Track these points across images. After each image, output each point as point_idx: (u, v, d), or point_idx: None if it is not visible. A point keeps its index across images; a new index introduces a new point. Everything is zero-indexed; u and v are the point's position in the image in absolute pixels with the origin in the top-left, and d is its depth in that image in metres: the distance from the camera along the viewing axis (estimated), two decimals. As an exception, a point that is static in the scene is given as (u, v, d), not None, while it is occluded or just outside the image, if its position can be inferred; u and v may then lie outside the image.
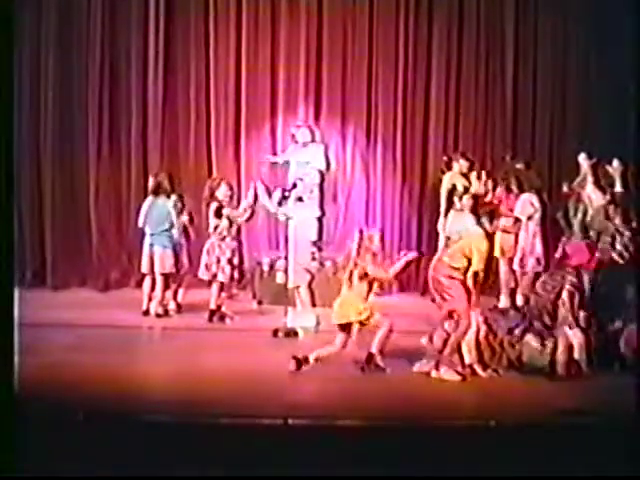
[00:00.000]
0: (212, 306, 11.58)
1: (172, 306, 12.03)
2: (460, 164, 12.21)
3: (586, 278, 10.10)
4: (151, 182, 12.03)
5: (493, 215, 10.58)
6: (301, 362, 9.34)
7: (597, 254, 10.36)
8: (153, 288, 11.90)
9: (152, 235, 11.88)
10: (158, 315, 11.77)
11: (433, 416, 8.02)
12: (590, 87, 13.55)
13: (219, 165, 13.71)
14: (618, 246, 10.45)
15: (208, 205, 11.62)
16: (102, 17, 13.60)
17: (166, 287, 11.93)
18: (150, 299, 11.89)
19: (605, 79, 13.34)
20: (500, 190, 11.78)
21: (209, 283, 11.68)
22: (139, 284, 12.64)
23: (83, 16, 13.58)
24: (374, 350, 9.36)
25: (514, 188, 11.73)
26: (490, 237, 9.88)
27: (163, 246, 11.80)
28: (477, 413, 8.14)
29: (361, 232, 9.62)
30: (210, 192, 11.69)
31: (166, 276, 11.86)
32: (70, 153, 13.71)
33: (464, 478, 7.04)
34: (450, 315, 9.41)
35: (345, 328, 9.44)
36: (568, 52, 13.79)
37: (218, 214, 11.52)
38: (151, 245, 11.88)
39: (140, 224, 11.99)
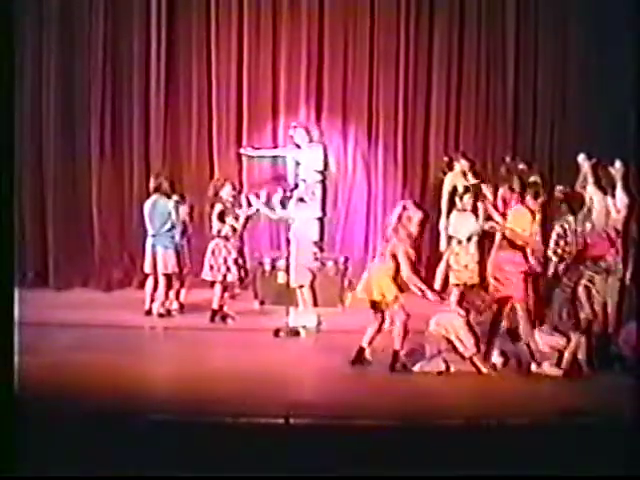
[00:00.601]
0: (214, 306, 11.60)
1: (175, 306, 12.05)
2: (461, 164, 12.21)
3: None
4: (152, 183, 12.06)
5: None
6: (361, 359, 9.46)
7: (617, 244, 10.35)
8: (156, 288, 11.92)
9: (154, 236, 11.89)
10: (160, 315, 11.80)
11: (433, 416, 8.01)
12: (590, 88, 13.54)
13: (221, 166, 13.73)
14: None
15: (212, 206, 11.64)
16: (104, 20, 13.62)
17: (169, 287, 11.95)
18: (152, 299, 11.91)
19: (605, 80, 13.34)
20: (503, 190, 11.76)
21: (212, 283, 11.70)
22: (141, 284, 12.70)
23: (85, 19, 13.61)
24: (397, 347, 9.36)
25: (516, 187, 11.68)
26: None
27: (165, 247, 11.81)
28: (477, 413, 8.10)
29: (404, 208, 9.58)
30: (214, 192, 11.71)
31: (168, 276, 11.88)
32: (72, 154, 13.74)
33: (464, 478, 7.04)
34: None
35: (374, 307, 9.49)
36: (568, 53, 13.80)
37: (221, 218, 11.53)
38: (153, 246, 11.88)
39: (147, 226, 12.01)
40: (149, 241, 11.94)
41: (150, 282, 11.94)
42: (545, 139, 13.84)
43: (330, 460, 7.01)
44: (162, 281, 11.85)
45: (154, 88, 13.75)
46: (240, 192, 12.28)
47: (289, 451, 7.17)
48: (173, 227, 11.83)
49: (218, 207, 11.59)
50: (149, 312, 11.86)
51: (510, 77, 13.85)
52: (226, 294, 11.75)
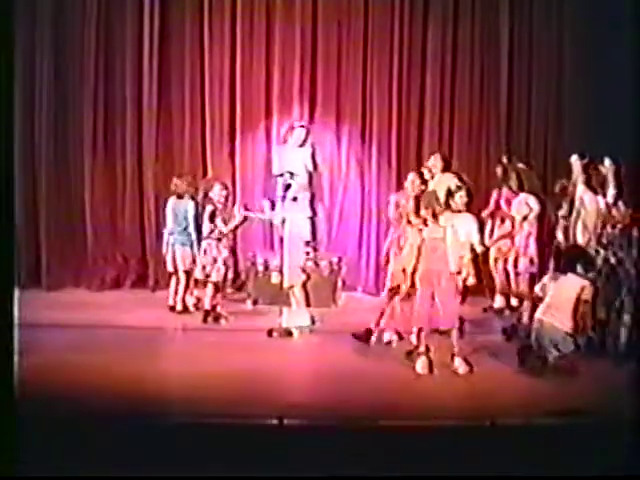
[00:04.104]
0: (207, 306, 11.59)
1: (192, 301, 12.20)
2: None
3: None
4: (173, 184, 12.18)
5: None
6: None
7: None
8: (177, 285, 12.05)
9: (171, 234, 11.99)
10: (178, 311, 11.93)
11: (428, 416, 7.98)
12: (586, 86, 13.54)
13: (214, 165, 13.71)
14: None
15: (203, 207, 11.67)
16: (97, 17, 13.56)
17: (187, 284, 12.05)
18: (176, 295, 12.02)
19: (601, 78, 13.33)
20: (506, 190, 11.76)
21: (204, 284, 11.70)
22: (134, 284, 12.79)
23: (78, 16, 13.55)
24: None
25: (513, 186, 11.65)
26: None
27: (182, 244, 11.91)
28: (473, 413, 8.08)
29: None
30: (204, 193, 11.74)
31: (188, 273, 11.94)
32: (65, 153, 13.69)
33: (463, 478, 7.04)
34: None
35: None
36: (563, 51, 13.78)
37: (212, 219, 11.55)
38: (172, 244, 11.98)
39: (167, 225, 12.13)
40: (168, 240, 12.06)
41: (173, 280, 12.05)
42: (540, 139, 13.85)
43: (324, 461, 7.01)
44: (175, 279, 12.01)
45: (147, 88, 13.69)
46: (231, 193, 12.29)
47: (283, 452, 7.16)
48: (188, 225, 11.91)
49: (209, 208, 11.61)
50: (173, 308, 12.01)
51: (504, 77, 13.84)
52: (219, 294, 11.76)
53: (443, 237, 9.44)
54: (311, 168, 12.34)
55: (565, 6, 13.71)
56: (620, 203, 10.61)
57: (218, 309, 11.66)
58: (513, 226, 11.36)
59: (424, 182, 10.91)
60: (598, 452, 6.99)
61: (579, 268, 9.51)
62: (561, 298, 9.34)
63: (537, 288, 9.77)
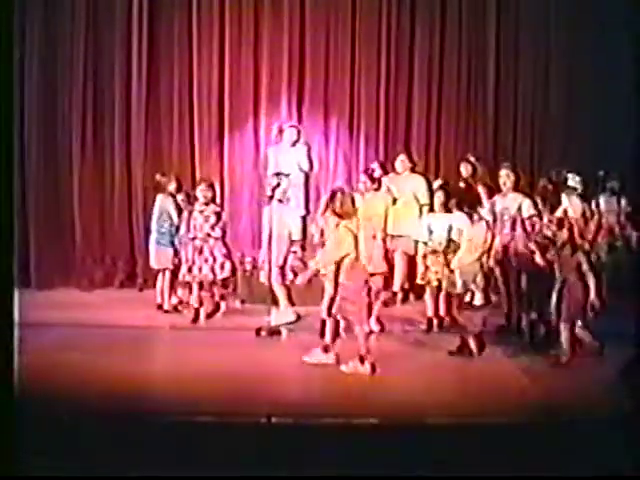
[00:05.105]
0: (196, 305, 11.63)
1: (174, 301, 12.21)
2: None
3: None
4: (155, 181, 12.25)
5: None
6: None
7: None
8: (163, 283, 12.11)
9: (156, 232, 12.07)
10: (166, 310, 12.00)
11: (418, 414, 8.03)
12: (572, 87, 13.64)
13: (202, 165, 13.76)
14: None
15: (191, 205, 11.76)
16: (86, 18, 13.58)
17: (173, 283, 12.12)
18: (163, 294, 12.07)
19: (588, 81, 13.44)
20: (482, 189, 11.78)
21: (193, 283, 11.73)
22: (122, 284, 12.82)
23: (67, 18, 13.57)
24: None
25: (503, 186, 11.60)
26: None
27: (162, 243, 11.99)
28: (464, 412, 8.09)
29: None
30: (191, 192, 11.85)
31: (173, 272, 11.99)
32: (54, 153, 13.72)
33: (459, 478, 7.08)
34: None
35: None
36: (550, 52, 13.84)
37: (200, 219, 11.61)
38: (154, 242, 12.07)
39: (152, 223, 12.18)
40: (152, 237, 12.15)
41: (159, 278, 12.12)
42: (526, 138, 13.91)
43: (312, 459, 7.06)
44: (161, 278, 12.07)
45: (135, 88, 13.72)
46: (222, 192, 12.35)
47: (271, 451, 7.21)
48: (171, 224, 11.95)
49: (196, 207, 11.66)
50: (160, 306, 12.08)
51: (491, 75, 13.90)
52: (206, 292, 11.79)
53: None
54: (305, 167, 12.47)
55: (552, 10, 13.77)
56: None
57: (222, 306, 11.78)
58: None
59: (373, 182, 11.14)
60: (597, 451, 7.06)
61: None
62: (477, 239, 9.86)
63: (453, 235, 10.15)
